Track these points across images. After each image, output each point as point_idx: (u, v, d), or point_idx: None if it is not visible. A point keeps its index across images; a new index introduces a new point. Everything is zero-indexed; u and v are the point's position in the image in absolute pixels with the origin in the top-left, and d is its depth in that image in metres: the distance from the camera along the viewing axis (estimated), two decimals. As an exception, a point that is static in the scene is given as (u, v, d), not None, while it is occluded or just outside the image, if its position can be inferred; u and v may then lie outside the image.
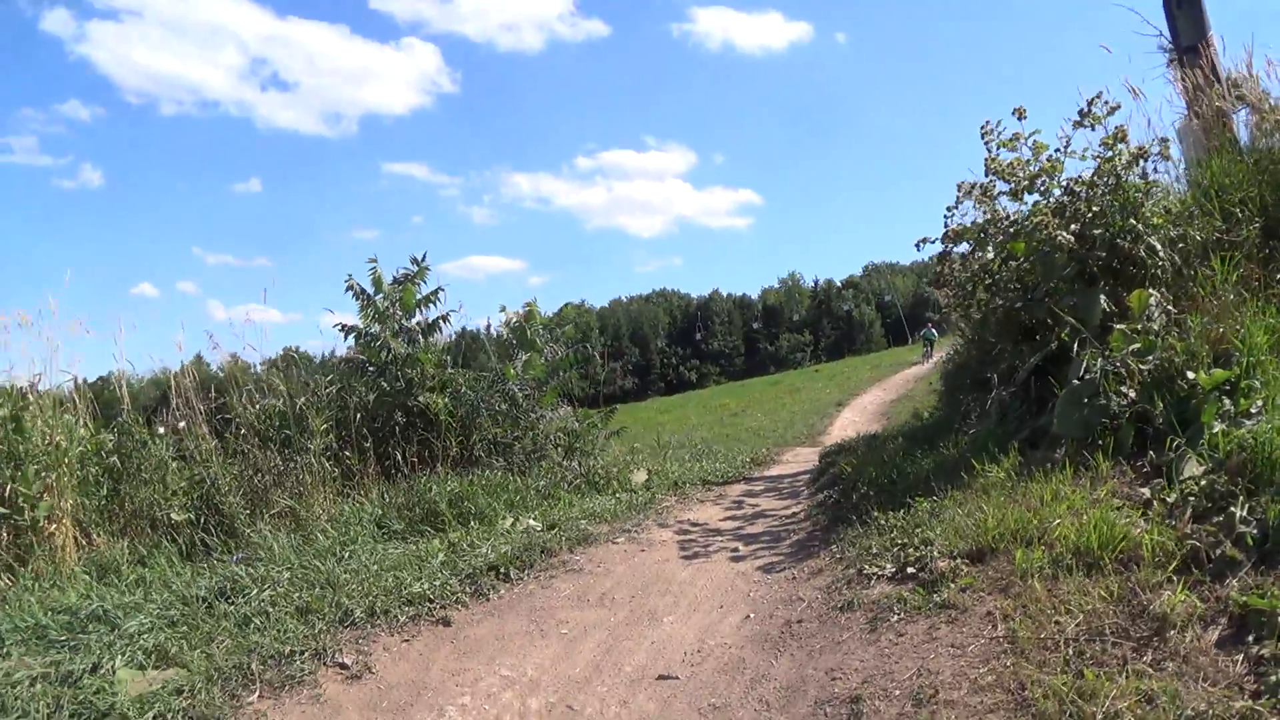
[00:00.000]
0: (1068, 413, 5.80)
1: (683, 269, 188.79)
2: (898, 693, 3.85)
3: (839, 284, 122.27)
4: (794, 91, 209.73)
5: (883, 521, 6.10)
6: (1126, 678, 3.39)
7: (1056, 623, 3.91)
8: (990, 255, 7.52)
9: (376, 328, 9.85)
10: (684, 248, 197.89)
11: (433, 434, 9.32)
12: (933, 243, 7.62)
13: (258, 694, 4.68)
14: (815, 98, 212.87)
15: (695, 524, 8.09)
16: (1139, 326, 5.77)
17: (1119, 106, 6.74)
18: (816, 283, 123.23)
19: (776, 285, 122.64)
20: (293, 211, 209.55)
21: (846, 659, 4.40)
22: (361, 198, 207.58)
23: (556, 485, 9.20)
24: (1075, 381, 5.83)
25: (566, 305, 11.63)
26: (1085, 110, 6.74)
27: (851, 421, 22.96)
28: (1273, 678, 3.16)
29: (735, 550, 6.99)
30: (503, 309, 11.32)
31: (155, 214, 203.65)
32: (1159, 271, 6.32)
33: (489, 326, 11.49)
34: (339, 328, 9.99)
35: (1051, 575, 4.29)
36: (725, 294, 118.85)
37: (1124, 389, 5.56)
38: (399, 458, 9.02)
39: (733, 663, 4.82)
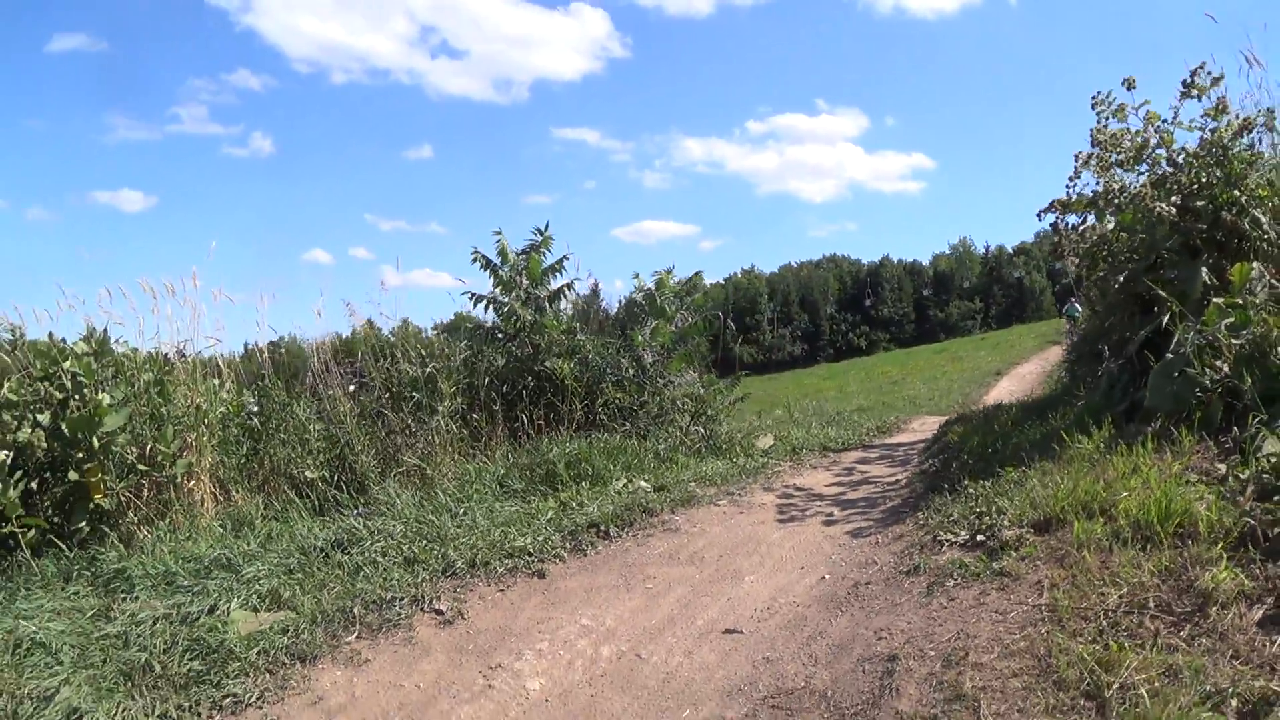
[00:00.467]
0: (1160, 386, 5.68)
1: (855, 234, 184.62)
2: (932, 653, 3.95)
3: (1010, 250, 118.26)
4: (966, 55, 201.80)
5: (971, 490, 6.09)
6: (1155, 651, 3.41)
7: (1100, 594, 3.92)
8: (1110, 227, 7.33)
9: (504, 296, 10.22)
10: (856, 212, 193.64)
11: (559, 398, 9.67)
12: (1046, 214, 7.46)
13: (356, 635, 5.11)
14: (987, 61, 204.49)
15: (800, 489, 8.19)
16: (1237, 300, 5.58)
17: (1222, 77, 6.45)
18: (988, 249, 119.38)
19: (947, 251, 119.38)
20: (464, 177, 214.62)
21: (896, 620, 4.51)
22: (533, 163, 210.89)
23: (675, 449, 9.41)
24: (1169, 355, 5.70)
25: (697, 273, 11.73)
26: (1189, 81, 6.49)
27: (1009, 391, 22.38)
28: None
29: (830, 515, 7.09)
30: (635, 276, 11.55)
31: (327, 181, 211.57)
32: (1264, 245, 6.07)
33: (641, 291, 11.74)
34: (468, 296, 10.42)
35: (1107, 547, 4.29)
36: (895, 260, 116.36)
37: (1218, 363, 5.41)
38: (525, 420, 9.40)
39: (796, 620, 4.98)
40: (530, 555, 6.22)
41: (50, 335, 7.68)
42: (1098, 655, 3.46)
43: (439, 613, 5.40)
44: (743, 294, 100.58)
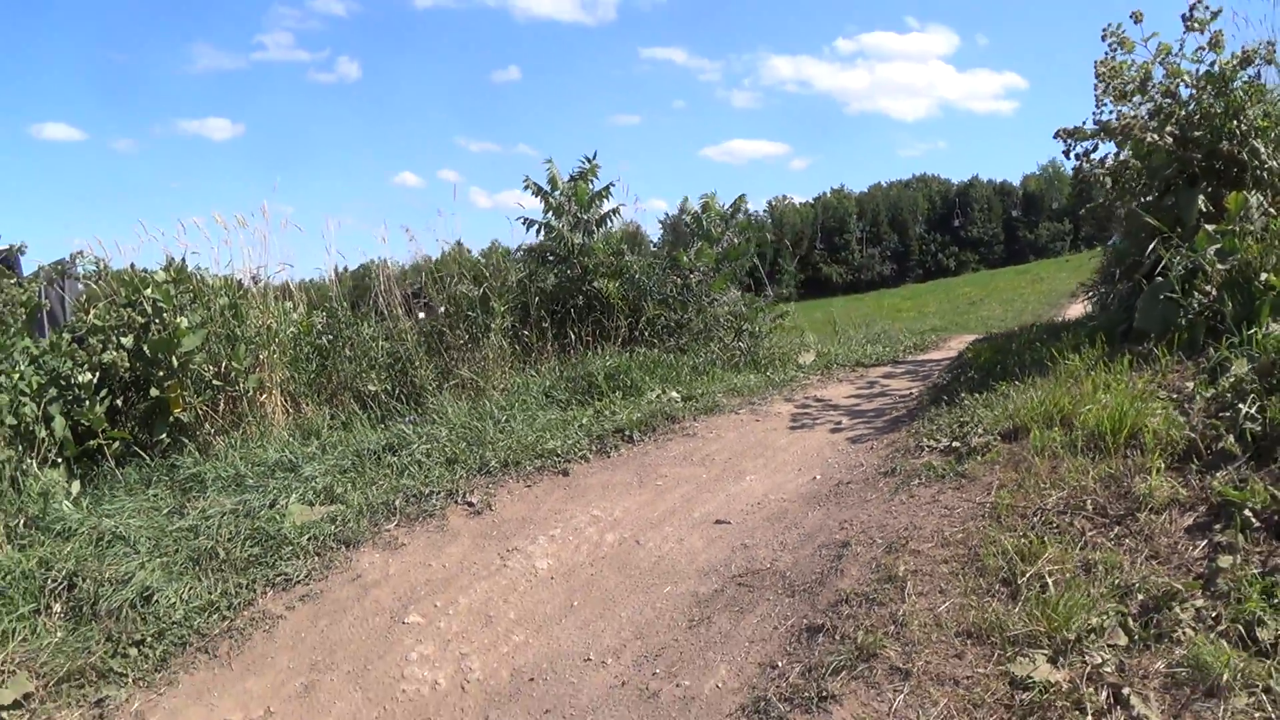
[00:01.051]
0: (1148, 308, 5.88)
1: (945, 153, 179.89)
2: (880, 541, 4.34)
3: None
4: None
5: (966, 402, 6.34)
6: (1078, 548, 3.75)
7: (1042, 495, 4.26)
8: (1126, 155, 7.40)
9: (555, 220, 10.61)
10: (947, 131, 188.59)
11: (606, 316, 10.07)
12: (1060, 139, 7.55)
13: (395, 523, 5.68)
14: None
15: (819, 400, 8.50)
16: (1229, 227, 5.71)
17: (1220, 11, 6.45)
18: (1078, 170, 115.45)
19: (1037, 171, 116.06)
20: (552, 99, 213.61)
21: (861, 514, 4.90)
22: (620, 83, 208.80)
23: (713, 364, 9.76)
24: (1157, 279, 5.87)
25: (740, 196, 11.93)
26: (1189, 14, 6.51)
27: (1080, 312, 22.10)
28: (1216, 562, 3.42)
29: (838, 424, 7.41)
30: (684, 199, 11.86)
31: (415, 104, 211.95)
32: (1263, 175, 6.15)
33: (746, 212, 12.04)
34: (522, 221, 10.83)
35: (1061, 455, 4.59)
36: (985, 180, 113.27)
37: (1207, 288, 5.58)
38: (574, 337, 9.83)
39: (779, 513, 5.40)
40: (558, 456, 6.71)
41: (132, 265, 8.31)
42: (1021, 548, 3.80)
43: (470, 505, 5.92)
44: (831, 213, 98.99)
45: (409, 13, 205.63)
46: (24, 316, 7.76)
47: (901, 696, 3.13)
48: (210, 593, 4.93)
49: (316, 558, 5.29)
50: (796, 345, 11.40)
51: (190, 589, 4.95)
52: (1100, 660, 3.08)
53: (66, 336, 7.63)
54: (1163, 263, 5.86)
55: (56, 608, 4.90)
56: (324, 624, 4.72)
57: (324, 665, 4.38)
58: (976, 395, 6.40)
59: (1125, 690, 2.92)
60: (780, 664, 3.65)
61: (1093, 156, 7.58)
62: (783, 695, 3.39)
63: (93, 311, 7.86)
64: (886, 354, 11.63)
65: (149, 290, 7.75)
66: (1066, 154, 7.52)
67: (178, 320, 7.59)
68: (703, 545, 5.11)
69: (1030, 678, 3.06)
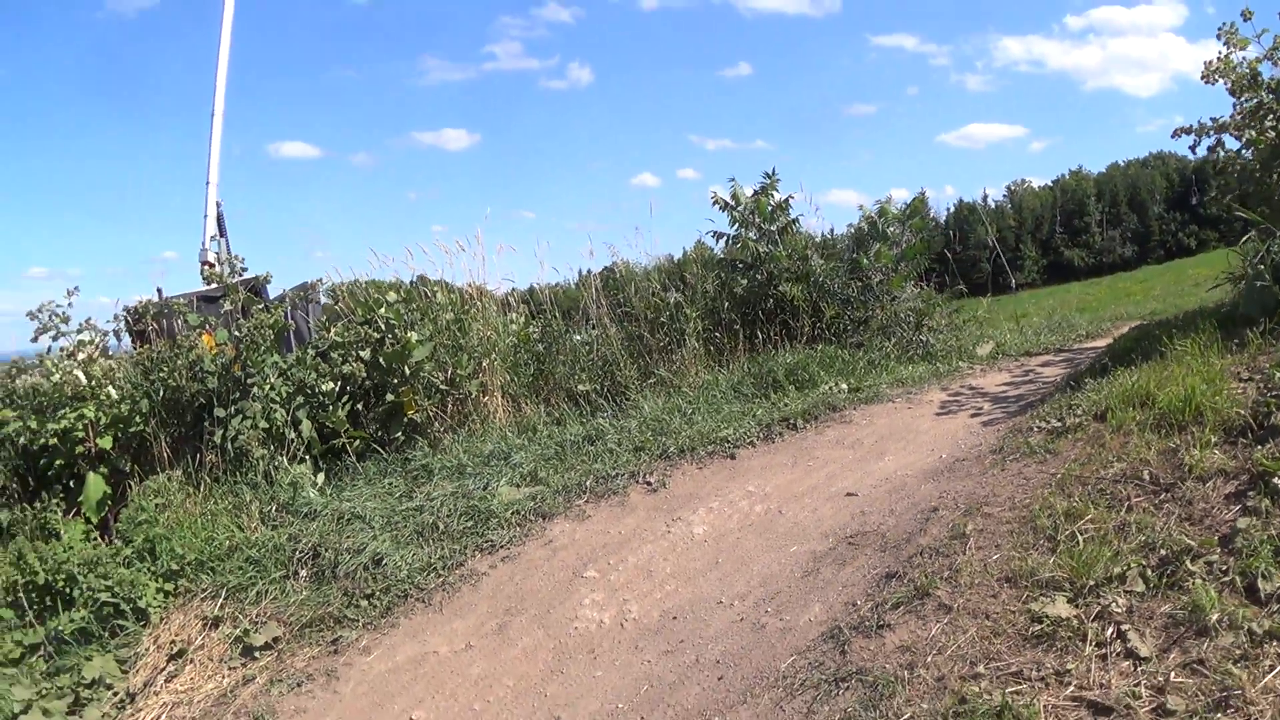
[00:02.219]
0: (1249, 294, 6.14)
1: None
2: (962, 506, 5.00)
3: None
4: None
5: (1087, 386, 6.59)
6: (1121, 511, 4.26)
7: (1106, 467, 4.75)
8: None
9: (740, 232, 11.39)
10: (1183, 105, 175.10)
11: (792, 317, 10.77)
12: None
13: (585, 499, 6.74)
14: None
15: (971, 388, 8.87)
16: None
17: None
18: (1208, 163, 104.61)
19: None
20: (784, 93, 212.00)
21: (958, 485, 5.54)
22: (851, 74, 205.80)
23: (887, 357, 10.25)
24: (1259, 266, 6.10)
25: (917, 198, 12.29)
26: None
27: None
28: (1237, 524, 3.80)
29: (979, 409, 7.85)
30: (860, 206, 12.40)
31: (648, 105, 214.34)
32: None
33: (985, 198, 12.43)
34: (711, 234, 11.66)
35: (1133, 432, 5.02)
36: (1223, 154, 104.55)
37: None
38: (762, 337, 10.58)
39: (899, 486, 6.09)
40: (728, 442, 7.55)
41: (369, 284, 9.66)
42: (1069, 510, 4.38)
43: (648, 484, 6.89)
44: (1070, 196, 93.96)
45: (636, 15, 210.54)
46: (272, 337, 8.64)
47: (939, 626, 3.83)
48: (429, 557, 6.18)
49: (517, 528, 6.43)
50: (976, 336, 11.67)
51: (414, 554, 6.21)
52: (1112, 602, 3.58)
53: (311, 352, 8.80)
54: (1260, 252, 6.07)
55: (302, 573, 6.22)
56: (518, 579, 5.85)
57: (515, 610, 5.49)
58: (1098, 380, 6.65)
59: (1125, 627, 3.43)
60: (859, 602, 4.42)
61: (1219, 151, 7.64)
62: (852, 625, 4.15)
63: (333, 329, 9.07)
64: (1055, 343, 11.66)
65: (383, 310, 8.87)
66: (1192, 149, 7.64)
67: (408, 335, 8.64)
68: (831, 513, 5.87)
69: (1046, 613, 3.66)
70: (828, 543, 5.40)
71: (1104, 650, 3.35)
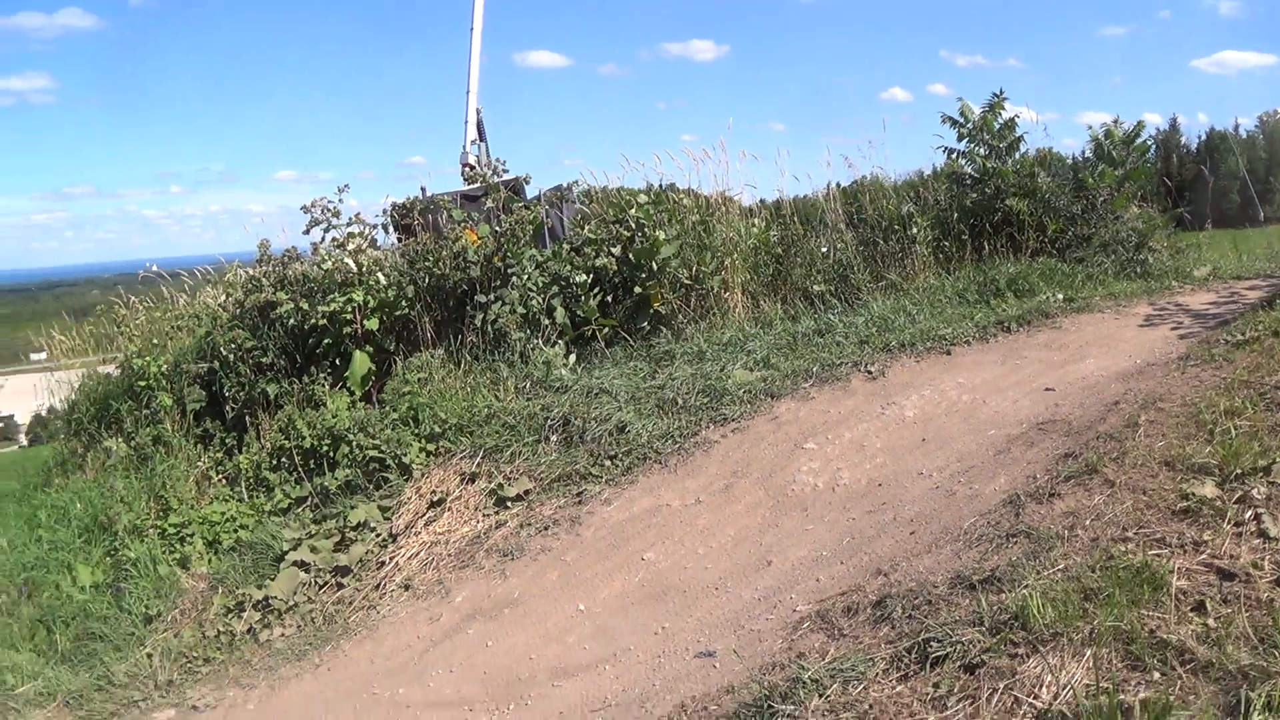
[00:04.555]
0: None
1: None
2: (1140, 401, 5.31)
3: None
4: None
5: (1277, 305, 6.64)
6: (1275, 413, 4.54)
7: (1269, 374, 5.02)
8: None
9: (969, 147, 11.33)
10: None
11: (1017, 230, 10.76)
12: None
13: (810, 383, 7.41)
14: None
15: (1177, 305, 8.71)
16: None
17: None
18: None
19: None
20: (1039, 10, 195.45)
21: (1144, 384, 5.81)
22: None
23: (1104, 272, 10.07)
24: None
25: (1139, 122, 11.70)
26: None
27: None
28: None
29: (1179, 323, 7.81)
30: (1089, 127, 11.97)
31: (901, 19, 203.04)
32: None
33: (1236, 127, 11.92)
34: (942, 149, 11.65)
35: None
36: None
37: None
38: (988, 248, 10.64)
39: (1092, 385, 6.41)
40: (945, 339, 7.94)
41: (619, 189, 10.25)
42: (1230, 408, 4.66)
43: (869, 373, 7.45)
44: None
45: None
46: (530, 232, 9.03)
47: (1101, 497, 4.28)
48: (668, 426, 6.97)
49: (748, 404, 7.15)
50: (1195, 260, 11.20)
51: (654, 424, 7.02)
52: (1254, 489, 3.88)
53: (566, 247, 9.27)
54: None
55: (553, 438, 7.05)
56: (745, 447, 6.63)
57: (740, 473, 6.28)
58: (1292, 301, 6.65)
59: (1261, 511, 3.73)
60: (1038, 476, 4.90)
61: None
62: (1028, 493, 4.66)
63: (587, 227, 9.58)
64: (1267, 269, 10.98)
65: (633, 210, 9.26)
66: None
67: (657, 234, 9.03)
68: (1029, 405, 6.28)
69: (1194, 493, 4.03)
70: (1021, 428, 5.84)
71: (1239, 529, 3.66)
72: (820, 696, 3.10)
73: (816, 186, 11.85)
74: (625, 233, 9.22)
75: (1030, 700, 2.67)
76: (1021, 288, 9.44)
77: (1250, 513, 3.74)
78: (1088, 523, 4.10)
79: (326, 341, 8.63)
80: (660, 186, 10.22)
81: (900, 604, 3.78)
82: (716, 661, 4.31)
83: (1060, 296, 9.02)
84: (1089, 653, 2.79)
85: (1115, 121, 11.69)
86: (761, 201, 11.50)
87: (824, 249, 10.61)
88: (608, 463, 6.67)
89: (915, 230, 10.42)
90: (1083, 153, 11.95)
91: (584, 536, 6.00)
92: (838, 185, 11.50)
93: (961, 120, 11.25)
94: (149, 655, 6.03)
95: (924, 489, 5.41)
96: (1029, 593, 3.23)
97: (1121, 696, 2.52)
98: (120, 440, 8.70)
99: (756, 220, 10.74)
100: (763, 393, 7.28)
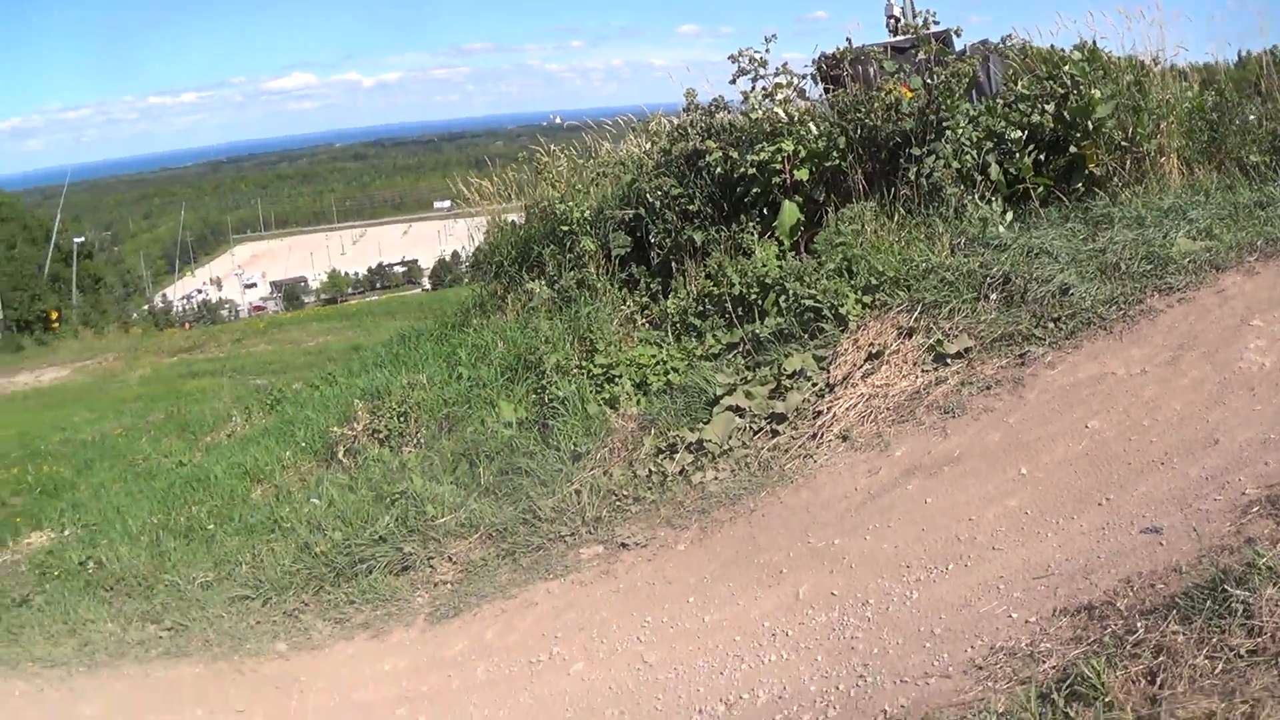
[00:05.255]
0: None
1: None
2: None
3: None
4: None
5: None
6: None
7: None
8: None
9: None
10: None
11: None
12: None
13: (1255, 257, 6.40)
14: None
15: None
16: None
17: None
18: None
19: None
20: None
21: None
22: None
23: None
24: None
25: None
26: None
27: None
28: None
29: None
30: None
31: None
32: None
33: None
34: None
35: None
36: None
37: None
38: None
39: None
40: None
41: (1051, 46, 9.36)
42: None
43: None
44: None
45: None
46: (965, 85, 8.59)
47: None
48: (1111, 292, 6.43)
49: (1192, 275, 6.45)
50: None
51: (1097, 288, 6.48)
52: None
53: (999, 102, 8.63)
54: None
55: (992, 296, 6.66)
56: (1190, 319, 6.06)
57: (1186, 346, 5.77)
58: None
59: None
60: None
61: None
62: None
63: (1020, 83, 8.84)
64: None
65: (1067, 67, 8.51)
66: None
67: (1091, 92, 8.27)
68: None
69: None
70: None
71: None
72: (1275, 586, 2.94)
73: (1252, 50, 10.29)
74: (1059, 90, 8.50)
75: None
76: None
77: None
78: None
79: (755, 190, 8.52)
80: (1094, 44, 9.31)
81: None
82: (1163, 539, 4.09)
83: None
84: None
85: None
86: (1192, 65, 10.13)
87: (1251, 116, 9.27)
88: (1051, 325, 6.32)
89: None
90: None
91: (1027, 399, 5.77)
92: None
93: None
94: (576, 491, 6.16)
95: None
96: None
97: None
98: (543, 283, 8.98)
99: (1189, 84, 9.55)
100: (1207, 264, 6.55)
